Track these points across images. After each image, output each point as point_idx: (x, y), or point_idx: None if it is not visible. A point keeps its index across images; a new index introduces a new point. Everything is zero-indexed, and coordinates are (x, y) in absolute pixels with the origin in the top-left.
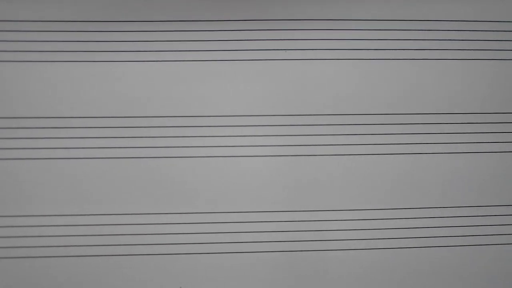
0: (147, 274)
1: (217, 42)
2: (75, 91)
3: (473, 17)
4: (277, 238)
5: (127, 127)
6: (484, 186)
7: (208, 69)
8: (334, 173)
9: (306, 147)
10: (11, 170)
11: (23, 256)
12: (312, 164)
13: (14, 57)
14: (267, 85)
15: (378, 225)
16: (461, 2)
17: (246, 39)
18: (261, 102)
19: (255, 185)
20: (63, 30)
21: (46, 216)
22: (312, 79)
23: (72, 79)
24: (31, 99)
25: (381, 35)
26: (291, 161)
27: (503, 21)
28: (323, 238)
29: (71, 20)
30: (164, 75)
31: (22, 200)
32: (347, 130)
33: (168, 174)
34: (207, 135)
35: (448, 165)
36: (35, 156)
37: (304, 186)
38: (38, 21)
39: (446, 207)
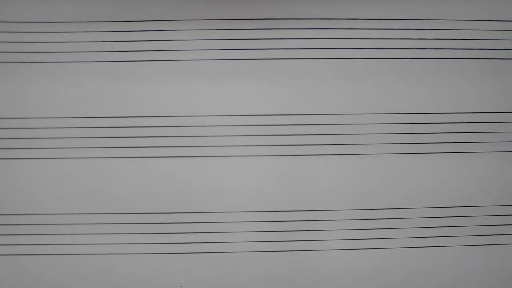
0: (147, 274)
1: (217, 41)
2: (75, 91)
3: (473, 17)
4: (278, 238)
5: (127, 127)
6: (484, 186)
7: (207, 68)
8: (334, 173)
9: (305, 147)
10: (11, 170)
11: (23, 254)
12: (312, 164)
13: (14, 58)
14: (267, 85)
15: (378, 225)
16: (461, 2)
17: (245, 38)
18: (261, 102)
19: (255, 184)
20: (63, 30)
21: (46, 215)
22: (312, 79)
23: (72, 79)
24: (31, 99)
25: (382, 35)
26: (291, 160)
27: (503, 20)
28: (323, 238)
29: (71, 20)
30: (164, 75)
31: (22, 200)
32: (347, 130)
33: (168, 174)
34: (207, 135)
35: (448, 165)
36: (36, 156)
37: (304, 186)
38: (38, 22)
39: (446, 207)
